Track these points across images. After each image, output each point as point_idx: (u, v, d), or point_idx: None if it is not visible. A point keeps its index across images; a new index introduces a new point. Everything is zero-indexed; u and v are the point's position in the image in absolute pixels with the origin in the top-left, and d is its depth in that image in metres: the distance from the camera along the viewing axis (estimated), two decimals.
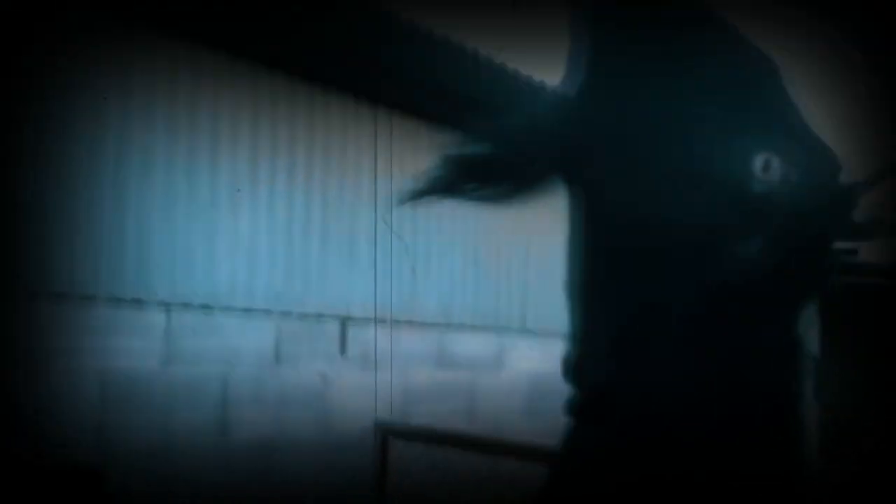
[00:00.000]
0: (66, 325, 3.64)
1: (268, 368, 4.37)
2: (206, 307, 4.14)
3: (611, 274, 0.93)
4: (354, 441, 4.57)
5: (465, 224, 5.63)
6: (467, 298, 5.63)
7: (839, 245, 1.02)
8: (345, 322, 4.79)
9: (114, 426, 3.74)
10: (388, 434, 4.07)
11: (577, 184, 0.92)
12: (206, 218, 4.16)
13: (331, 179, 4.77)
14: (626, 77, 0.90)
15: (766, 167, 0.88)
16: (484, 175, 0.95)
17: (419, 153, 5.31)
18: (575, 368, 0.98)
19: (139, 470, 3.77)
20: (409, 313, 5.20)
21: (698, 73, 0.89)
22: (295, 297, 4.54)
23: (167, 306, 3.99)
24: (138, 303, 3.89)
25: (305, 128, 4.65)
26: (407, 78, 4.74)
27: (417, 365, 5.19)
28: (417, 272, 5.27)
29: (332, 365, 4.70)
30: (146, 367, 3.90)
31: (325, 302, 4.70)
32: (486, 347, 5.74)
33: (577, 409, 0.96)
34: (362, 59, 4.48)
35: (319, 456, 4.51)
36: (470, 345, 5.59)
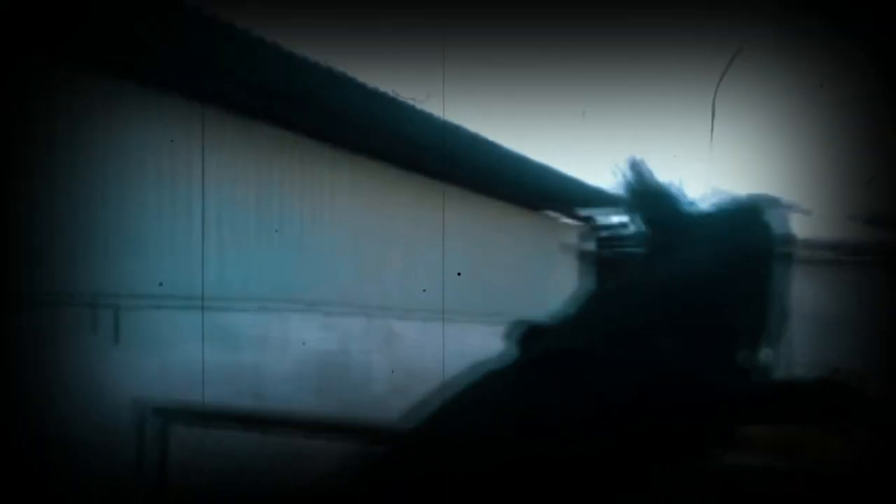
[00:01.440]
0: None
1: (34, 360, 4.11)
2: None
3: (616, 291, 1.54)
4: (132, 429, 4.41)
5: (247, 202, 5.57)
6: (251, 276, 5.58)
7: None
8: (117, 308, 4.59)
9: None
10: (168, 418, 3.98)
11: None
12: None
13: (92, 157, 4.55)
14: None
15: (745, 359, 1.32)
16: (646, 201, 1.53)
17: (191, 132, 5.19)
18: (542, 334, 1.40)
19: None
20: (190, 293, 5.07)
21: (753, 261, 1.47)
22: (65, 283, 4.29)
23: None
24: None
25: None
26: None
27: (197, 346, 5.08)
28: (194, 250, 5.15)
29: (106, 352, 4.50)
30: None
31: (97, 287, 4.48)
32: (271, 326, 5.72)
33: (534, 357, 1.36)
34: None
35: (96, 448, 4.32)
36: (253, 324, 5.54)
